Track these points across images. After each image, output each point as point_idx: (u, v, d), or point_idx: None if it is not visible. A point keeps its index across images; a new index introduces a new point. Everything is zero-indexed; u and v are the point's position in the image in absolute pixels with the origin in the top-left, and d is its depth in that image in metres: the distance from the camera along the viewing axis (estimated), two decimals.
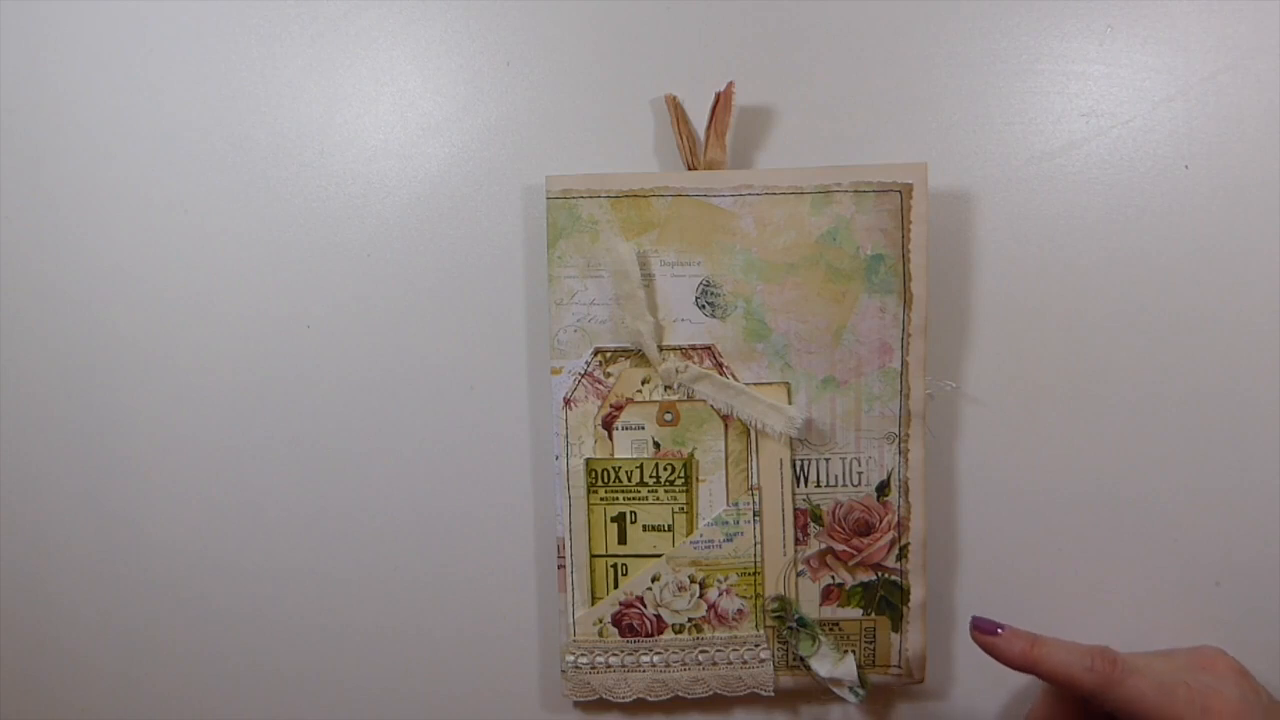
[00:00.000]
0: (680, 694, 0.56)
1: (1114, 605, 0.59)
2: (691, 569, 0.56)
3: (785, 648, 0.56)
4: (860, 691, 0.56)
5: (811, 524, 0.56)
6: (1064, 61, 0.57)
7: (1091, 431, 0.58)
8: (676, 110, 0.55)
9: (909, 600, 0.56)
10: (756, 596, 0.56)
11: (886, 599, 0.56)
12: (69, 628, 0.61)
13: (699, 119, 0.55)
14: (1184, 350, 0.57)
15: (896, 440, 0.55)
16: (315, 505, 0.59)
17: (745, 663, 0.56)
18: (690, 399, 0.55)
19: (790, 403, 0.55)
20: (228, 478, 0.59)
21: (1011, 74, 0.57)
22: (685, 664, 0.56)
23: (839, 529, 0.55)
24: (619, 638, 0.56)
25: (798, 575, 0.56)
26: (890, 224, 0.53)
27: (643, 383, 0.55)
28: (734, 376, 0.55)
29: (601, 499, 0.56)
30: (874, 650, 0.56)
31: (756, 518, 0.55)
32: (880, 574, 0.56)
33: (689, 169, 0.55)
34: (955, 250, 0.57)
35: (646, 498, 0.55)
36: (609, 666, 0.56)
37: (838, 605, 0.56)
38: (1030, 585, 0.59)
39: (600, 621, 0.56)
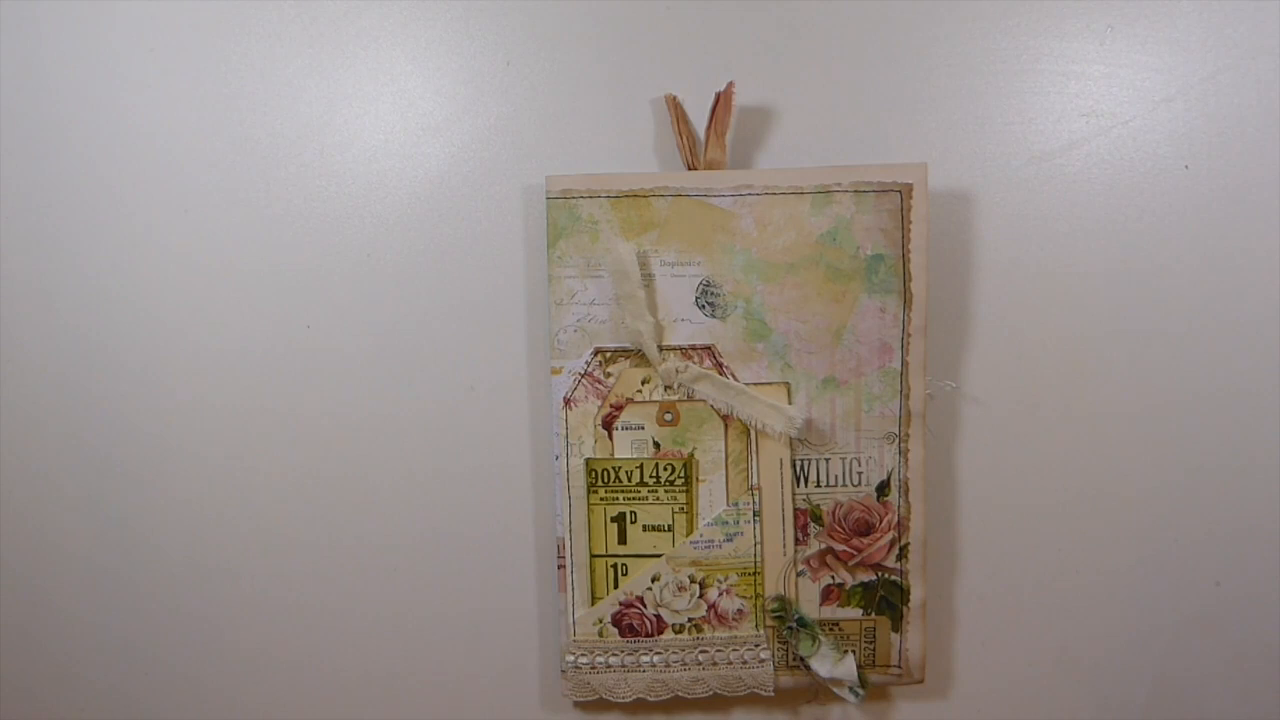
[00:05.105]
0: (680, 694, 0.56)
1: (1114, 606, 0.59)
2: (691, 569, 0.56)
3: (785, 648, 0.56)
4: (860, 691, 0.56)
5: (811, 524, 0.56)
6: (1064, 61, 0.57)
7: (1091, 431, 0.58)
8: (676, 110, 0.55)
9: (909, 600, 0.56)
10: (756, 596, 0.56)
11: (886, 599, 0.56)
12: (67, 634, 0.61)
13: (699, 119, 0.55)
14: (1184, 349, 0.57)
15: (896, 440, 0.55)
16: (314, 506, 0.59)
17: (745, 663, 0.56)
18: (690, 399, 0.55)
19: (790, 403, 0.55)
20: (226, 478, 0.59)
21: (1011, 74, 0.57)
22: (685, 664, 0.56)
23: (839, 529, 0.55)
24: (619, 638, 0.56)
25: (798, 575, 0.56)
26: (890, 224, 0.53)
27: (643, 383, 0.55)
28: (734, 376, 0.55)
29: (601, 499, 0.56)
30: (874, 650, 0.56)
31: (756, 518, 0.55)
32: (880, 574, 0.56)
33: (689, 169, 0.55)
34: (955, 250, 0.57)
35: (646, 498, 0.55)
36: (609, 666, 0.56)
37: (838, 605, 0.56)
38: (1030, 585, 0.59)
39: (600, 621, 0.56)
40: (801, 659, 0.56)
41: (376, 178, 0.58)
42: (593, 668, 0.56)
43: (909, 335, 0.54)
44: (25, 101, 0.58)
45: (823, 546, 0.56)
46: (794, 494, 0.55)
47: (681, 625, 0.56)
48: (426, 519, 0.59)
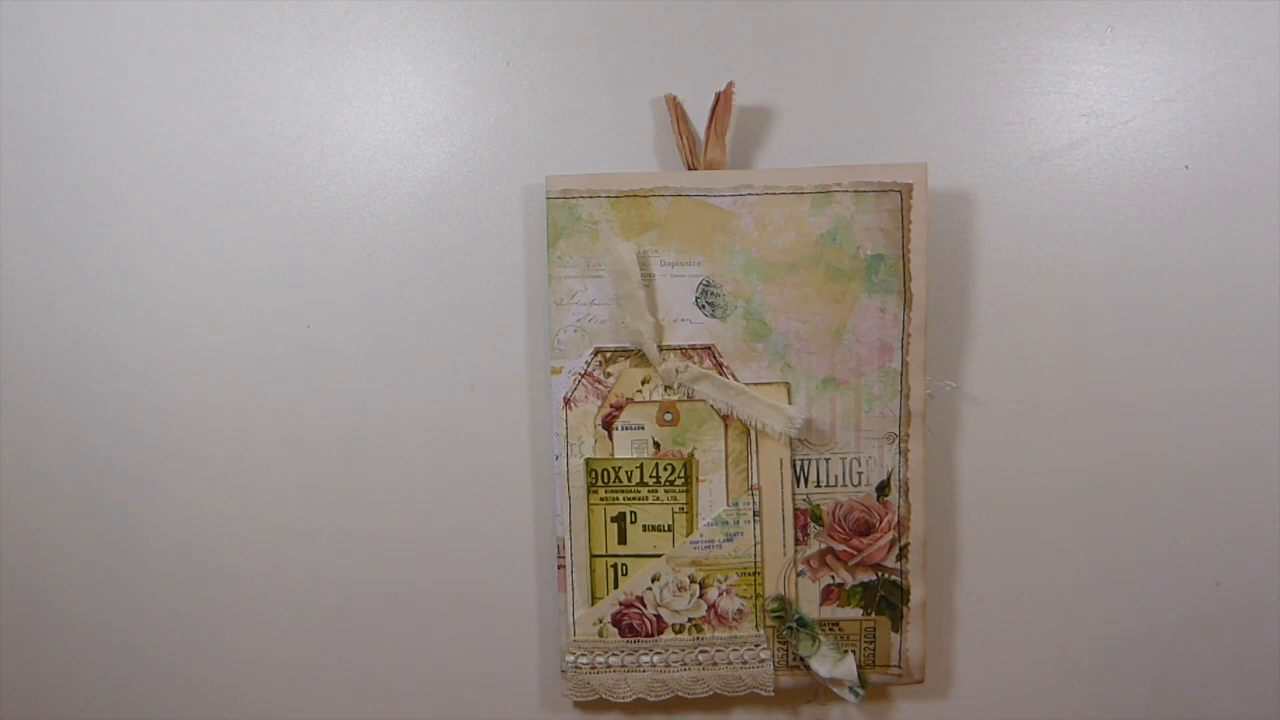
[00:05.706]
0: (680, 694, 0.56)
1: (1114, 606, 0.59)
2: (691, 569, 0.56)
3: (785, 648, 0.56)
4: (860, 691, 0.56)
5: (811, 524, 0.56)
6: (1064, 61, 0.57)
7: (1091, 431, 0.58)
8: (676, 110, 0.55)
9: (909, 600, 0.56)
10: (756, 596, 0.56)
11: (886, 599, 0.56)
12: (67, 634, 0.61)
13: (699, 119, 0.55)
14: (1183, 349, 0.57)
15: (896, 440, 0.55)
16: (314, 506, 0.59)
17: (745, 663, 0.56)
18: (690, 399, 0.55)
19: (790, 403, 0.55)
20: (226, 478, 0.59)
21: (1011, 74, 0.57)
22: (685, 664, 0.56)
23: (839, 529, 0.55)
24: (619, 638, 0.56)
25: (798, 575, 0.56)
26: (890, 224, 0.53)
27: (643, 383, 0.55)
28: (734, 376, 0.55)
29: (601, 499, 0.56)
30: (874, 650, 0.56)
31: (756, 518, 0.55)
32: (880, 574, 0.56)
33: (689, 169, 0.55)
34: (955, 250, 0.57)
35: (646, 498, 0.55)
36: (609, 666, 0.56)
37: (838, 605, 0.56)
38: (1030, 585, 0.59)
39: (600, 621, 0.56)
40: (801, 659, 0.56)
41: (376, 178, 0.58)
42: (593, 668, 0.56)
43: (909, 335, 0.54)
44: (25, 101, 0.58)
45: (823, 546, 0.56)
46: (794, 494, 0.55)
47: (681, 625, 0.56)
48: (426, 519, 0.59)
